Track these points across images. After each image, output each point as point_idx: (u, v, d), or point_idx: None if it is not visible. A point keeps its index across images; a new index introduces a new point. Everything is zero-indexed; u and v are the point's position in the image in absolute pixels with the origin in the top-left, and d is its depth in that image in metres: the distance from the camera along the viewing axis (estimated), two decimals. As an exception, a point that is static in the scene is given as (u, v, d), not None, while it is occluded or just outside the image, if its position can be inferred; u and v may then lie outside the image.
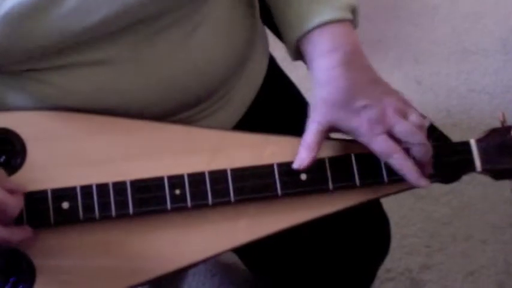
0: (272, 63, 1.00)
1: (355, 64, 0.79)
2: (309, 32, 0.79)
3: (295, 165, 0.78)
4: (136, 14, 0.74)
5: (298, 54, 0.83)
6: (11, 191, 0.71)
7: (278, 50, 1.01)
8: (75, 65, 0.76)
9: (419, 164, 0.78)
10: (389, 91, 0.80)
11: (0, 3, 0.69)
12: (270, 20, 0.92)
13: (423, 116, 0.88)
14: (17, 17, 0.70)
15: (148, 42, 0.77)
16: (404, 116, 0.78)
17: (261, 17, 0.94)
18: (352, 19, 0.81)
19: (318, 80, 0.79)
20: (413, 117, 0.78)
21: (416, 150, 0.77)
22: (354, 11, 0.81)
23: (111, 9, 0.72)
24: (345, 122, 0.78)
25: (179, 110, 0.83)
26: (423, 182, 0.78)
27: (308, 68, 0.82)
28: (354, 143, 0.80)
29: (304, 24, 0.80)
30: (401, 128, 0.77)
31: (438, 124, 0.88)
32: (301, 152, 0.79)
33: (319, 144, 0.79)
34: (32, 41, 0.72)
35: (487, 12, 1.89)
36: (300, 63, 0.89)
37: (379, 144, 0.77)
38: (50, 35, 0.72)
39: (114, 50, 0.76)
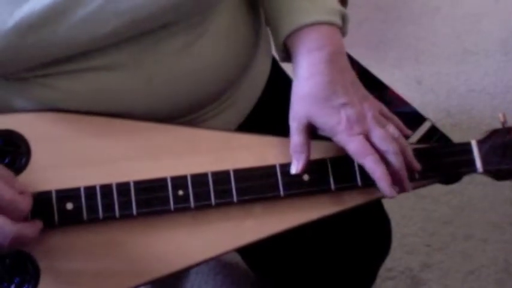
0: (274, 64, 1.00)
1: (339, 64, 0.79)
2: (299, 29, 0.80)
3: (292, 171, 0.78)
4: (144, 26, 0.75)
5: (285, 52, 0.84)
6: (20, 191, 0.71)
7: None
8: (81, 71, 0.76)
9: (394, 174, 0.77)
10: (371, 98, 0.80)
11: (10, 14, 0.69)
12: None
13: (424, 118, 0.88)
14: (26, 28, 0.70)
15: (153, 48, 0.77)
16: (382, 125, 0.78)
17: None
18: (341, 26, 0.82)
19: (300, 75, 0.80)
20: (391, 129, 0.78)
21: (391, 158, 0.77)
22: (344, 18, 0.82)
23: (120, 21, 0.72)
24: (323, 118, 0.78)
25: (183, 114, 0.83)
26: (391, 191, 0.76)
27: (292, 65, 0.82)
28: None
29: (295, 20, 0.80)
30: (378, 133, 0.77)
31: (438, 124, 0.88)
32: (293, 157, 0.79)
33: (307, 143, 0.78)
34: (40, 52, 0.72)
35: (487, 13, 1.89)
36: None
37: (356, 144, 0.76)
38: (58, 45, 0.72)
39: (120, 55, 0.76)
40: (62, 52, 0.73)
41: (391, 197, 0.76)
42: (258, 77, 0.93)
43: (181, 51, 0.78)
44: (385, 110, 0.80)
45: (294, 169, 0.78)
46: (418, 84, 1.74)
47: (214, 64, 0.81)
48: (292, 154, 0.79)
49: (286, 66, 1.03)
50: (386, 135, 0.77)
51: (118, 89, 0.77)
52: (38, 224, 0.73)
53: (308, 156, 0.78)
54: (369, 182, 0.79)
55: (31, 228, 0.71)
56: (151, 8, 0.72)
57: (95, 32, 0.72)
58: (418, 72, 1.76)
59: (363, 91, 0.80)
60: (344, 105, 0.77)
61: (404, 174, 0.78)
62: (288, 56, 0.83)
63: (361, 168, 0.79)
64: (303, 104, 0.79)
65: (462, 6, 1.91)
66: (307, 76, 0.79)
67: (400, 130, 0.80)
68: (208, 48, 0.80)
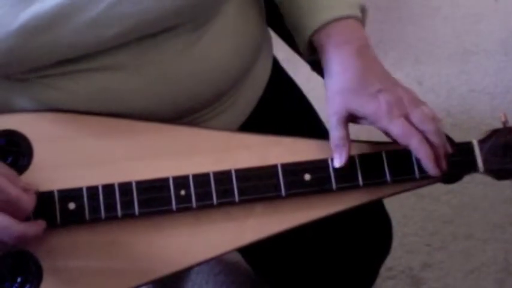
0: (275, 64, 0.99)
1: (368, 57, 0.81)
2: (324, 25, 0.81)
3: (336, 164, 0.79)
4: (148, 29, 0.75)
5: (309, 50, 0.85)
6: (24, 189, 0.71)
7: (279, 52, 1.01)
8: (83, 71, 0.76)
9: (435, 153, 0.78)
10: (402, 84, 0.81)
11: (15, 16, 0.69)
12: (275, 21, 0.92)
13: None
14: (31, 31, 0.70)
15: (155, 49, 0.77)
16: (417, 106, 0.78)
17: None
18: (361, 18, 0.84)
19: (333, 70, 0.81)
20: (426, 109, 0.78)
21: (432, 138, 0.77)
22: (363, 10, 0.84)
23: (124, 25, 0.73)
24: (363, 107, 0.78)
25: (185, 114, 0.83)
26: (435, 169, 0.77)
27: (322, 61, 0.83)
28: (356, 143, 0.80)
29: (320, 17, 0.82)
30: (418, 114, 0.77)
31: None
32: (335, 151, 0.79)
33: (348, 136, 0.79)
34: (45, 54, 0.72)
35: (487, 14, 1.89)
36: (301, 64, 0.89)
37: (399, 127, 0.77)
38: (63, 48, 0.73)
39: (122, 56, 0.76)
40: (66, 54, 0.74)
41: (435, 176, 0.78)
42: (259, 77, 0.93)
43: (183, 52, 0.78)
44: (416, 94, 0.81)
45: (338, 163, 0.78)
46: (418, 84, 1.73)
47: (217, 65, 0.81)
48: (334, 149, 0.79)
49: (287, 67, 1.04)
50: (425, 115, 0.77)
51: (120, 89, 0.77)
52: (42, 224, 0.73)
53: (349, 148, 0.79)
54: (370, 182, 0.79)
55: (35, 228, 0.71)
56: (155, 12, 0.73)
57: (99, 36, 0.72)
58: (418, 72, 1.76)
59: (393, 79, 0.81)
60: (380, 91, 0.78)
61: (442, 152, 0.78)
62: (313, 53, 0.84)
63: (363, 168, 0.79)
64: (340, 98, 0.79)
65: (462, 6, 1.91)
66: (340, 71, 0.80)
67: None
68: (210, 49, 0.80)
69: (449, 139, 0.83)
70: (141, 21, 0.73)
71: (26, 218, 0.72)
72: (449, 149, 0.79)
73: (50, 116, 0.78)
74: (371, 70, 0.80)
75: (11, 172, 0.72)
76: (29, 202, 0.71)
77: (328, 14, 0.81)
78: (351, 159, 0.79)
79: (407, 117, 0.77)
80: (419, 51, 1.81)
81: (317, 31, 0.82)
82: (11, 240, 0.69)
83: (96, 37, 0.73)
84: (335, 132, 0.79)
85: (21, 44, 0.70)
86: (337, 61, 0.81)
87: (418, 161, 0.80)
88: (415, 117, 0.77)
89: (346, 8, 0.82)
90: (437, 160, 0.78)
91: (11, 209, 0.69)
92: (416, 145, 0.76)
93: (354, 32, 0.82)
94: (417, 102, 0.79)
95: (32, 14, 0.69)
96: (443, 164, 0.79)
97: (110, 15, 0.71)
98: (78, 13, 0.71)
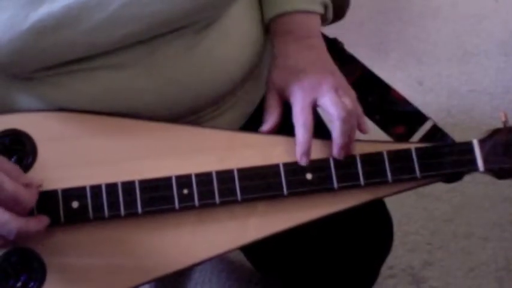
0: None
1: (306, 43, 0.85)
2: (281, 15, 0.86)
3: (263, 128, 0.82)
4: (159, 30, 0.75)
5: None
6: (26, 186, 0.70)
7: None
8: (89, 69, 0.76)
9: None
10: (336, 73, 0.83)
11: (26, 16, 0.69)
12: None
13: (426, 117, 0.87)
14: (42, 31, 0.70)
15: (161, 49, 0.77)
16: (333, 92, 0.80)
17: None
18: (323, 13, 0.88)
19: (274, 54, 0.86)
20: (347, 101, 0.79)
21: (335, 125, 0.78)
22: (326, 6, 0.88)
23: (136, 26, 0.73)
24: (284, 82, 0.83)
25: (188, 114, 0.83)
26: (303, 158, 0.78)
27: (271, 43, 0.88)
28: (357, 143, 0.80)
29: (281, 6, 0.86)
30: (326, 98, 0.79)
31: (439, 124, 0.87)
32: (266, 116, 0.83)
33: (275, 104, 0.83)
34: (54, 54, 0.72)
35: (487, 15, 1.88)
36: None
37: (299, 104, 0.80)
38: (73, 48, 0.73)
39: (129, 54, 0.76)
40: (74, 54, 0.74)
41: (301, 163, 0.79)
42: (262, 76, 0.93)
43: (187, 52, 0.78)
44: (345, 84, 0.83)
45: (265, 127, 0.82)
46: (419, 84, 1.73)
47: (221, 65, 0.81)
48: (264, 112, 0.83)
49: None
50: (333, 101, 0.78)
51: (125, 89, 0.77)
52: (43, 220, 0.72)
53: (277, 116, 0.82)
54: (371, 181, 0.79)
55: (35, 223, 0.71)
56: (165, 15, 0.73)
57: (108, 36, 0.72)
58: (419, 72, 1.76)
59: (330, 67, 0.84)
60: (303, 71, 0.81)
61: (342, 144, 0.78)
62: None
63: (364, 168, 0.79)
64: (270, 74, 0.85)
65: (463, 7, 1.91)
66: (276, 54, 0.86)
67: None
68: (215, 50, 0.80)
69: (449, 138, 0.83)
70: (150, 23, 0.73)
71: (29, 214, 0.71)
72: (349, 150, 0.79)
73: (54, 115, 0.77)
74: (305, 55, 0.84)
75: (13, 167, 0.71)
76: (28, 197, 0.70)
77: (285, 7, 0.86)
78: (352, 159, 0.79)
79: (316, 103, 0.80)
80: (420, 52, 1.81)
81: (274, 18, 0.87)
82: (11, 236, 0.68)
83: (105, 38, 0.72)
84: (267, 101, 0.84)
85: (31, 44, 0.70)
86: (277, 47, 0.86)
87: (419, 160, 0.79)
88: (322, 100, 0.79)
89: (309, 3, 0.86)
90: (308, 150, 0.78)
91: (10, 204, 0.68)
92: (299, 127, 0.78)
93: (299, 24, 0.86)
94: (338, 92, 0.80)
95: (42, 15, 0.69)
96: (340, 152, 0.79)
97: (120, 17, 0.71)
98: (88, 14, 0.71)
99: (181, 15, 0.74)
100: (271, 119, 0.82)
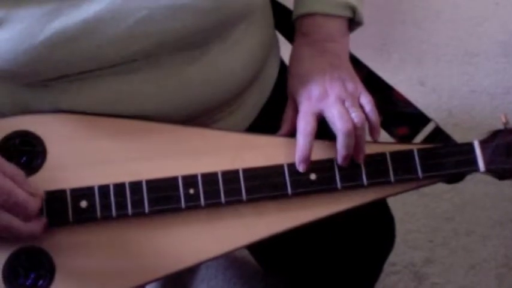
0: (282, 65, 0.99)
1: (320, 48, 0.84)
2: (302, 16, 0.86)
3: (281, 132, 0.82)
4: (170, 47, 0.75)
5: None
6: (30, 193, 0.71)
7: (286, 53, 1.00)
8: (99, 76, 0.75)
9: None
10: (347, 82, 0.81)
11: (41, 29, 0.69)
12: (281, 24, 0.92)
13: (428, 118, 0.87)
14: (56, 44, 0.70)
15: (170, 57, 0.77)
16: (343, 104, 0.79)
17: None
18: (351, 16, 0.86)
19: (290, 57, 0.87)
20: (354, 114, 0.78)
21: (339, 139, 0.77)
22: (354, 10, 0.85)
23: (148, 42, 0.73)
24: (294, 87, 0.83)
25: (195, 117, 0.83)
26: (301, 164, 0.77)
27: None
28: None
29: (303, 8, 0.86)
30: (330, 111, 0.78)
31: (440, 124, 0.87)
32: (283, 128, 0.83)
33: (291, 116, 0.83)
34: (67, 65, 0.73)
35: (488, 16, 1.88)
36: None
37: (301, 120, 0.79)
38: (86, 60, 0.73)
39: (137, 63, 0.76)
40: (87, 66, 0.74)
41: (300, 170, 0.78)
42: (267, 79, 0.93)
43: (196, 59, 0.78)
44: (359, 93, 0.81)
45: (281, 133, 0.82)
46: (420, 85, 1.73)
47: (229, 71, 0.81)
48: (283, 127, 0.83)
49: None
50: (338, 113, 0.77)
51: (133, 93, 0.77)
52: (42, 221, 0.72)
53: (293, 123, 0.81)
54: (374, 181, 0.78)
55: (39, 227, 0.72)
56: (178, 32, 0.73)
57: (121, 51, 0.72)
58: (421, 73, 1.75)
59: (341, 73, 0.82)
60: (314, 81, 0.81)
61: (344, 155, 0.78)
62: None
63: (367, 168, 0.78)
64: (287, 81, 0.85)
65: (464, 9, 1.90)
66: (292, 58, 0.86)
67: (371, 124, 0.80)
68: (223, 57, 0.80)
69: (451, 140, 0.82)
70: (163, 40, 0.73)
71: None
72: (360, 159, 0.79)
73: (63, 117, 0.77)
74: (317, 61, 0.83)
75: (19, 173, 0.72)
76: (34, 204, 0.71)
77: (307, 9, 0.85)
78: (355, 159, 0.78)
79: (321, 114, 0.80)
80: (421, 53, 1.80)
81: (297, 18, 0.87)
82: (19, 239, 0.70)
83: (117, 53, 0.73)
84: (286, 108, 0.84)
85: (45, 55, 0.70)
86: (292, 49, 0.86)
87: (421, 161, 0.79)
88: (327, 113, 0.78)
89: (332, 7, 0.84)
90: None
91: (18, 211, 0.69)
92: (299, 134, 0.78)
93: (319, 27, 0.85)
94: (346, 101, 0.79)
95: (58, 28, 0.69)
96: (344, 161, 0.78)
97: (133, 33, 0.71)
98: (103, 29, 0.71)
99: (192, 33, 0.74)
100: (283, 127, 0.82)
